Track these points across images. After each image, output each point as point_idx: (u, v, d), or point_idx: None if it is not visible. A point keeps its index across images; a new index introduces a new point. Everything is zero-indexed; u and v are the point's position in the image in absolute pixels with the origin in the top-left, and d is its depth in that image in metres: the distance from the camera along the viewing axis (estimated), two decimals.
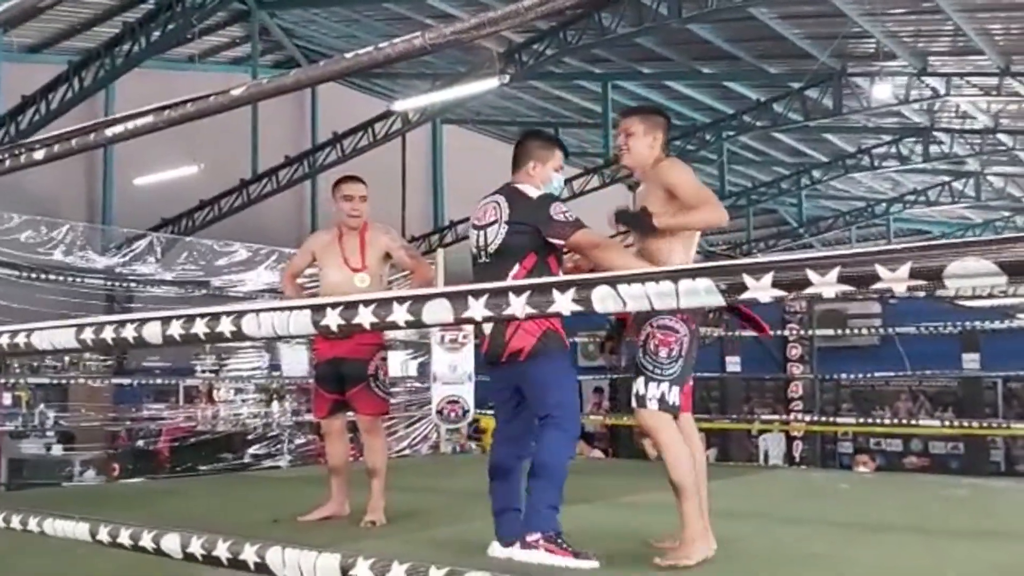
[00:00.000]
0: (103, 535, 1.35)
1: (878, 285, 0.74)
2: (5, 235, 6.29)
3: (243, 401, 8.68)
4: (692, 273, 0.84)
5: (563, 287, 0.91)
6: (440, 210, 19.93)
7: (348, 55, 1.40)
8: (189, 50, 15.31)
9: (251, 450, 8.08)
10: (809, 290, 0.78)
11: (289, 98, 17.43)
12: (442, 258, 8.29)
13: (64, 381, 8.75)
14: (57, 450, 8.79)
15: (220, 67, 16.35)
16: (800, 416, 7.98)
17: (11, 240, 6.34)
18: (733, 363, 10.44)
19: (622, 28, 12.33)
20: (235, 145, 15.12)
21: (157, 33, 10.62)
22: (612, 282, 0.88)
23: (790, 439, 9.40)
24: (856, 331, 8.94)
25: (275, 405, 8.66)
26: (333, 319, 1.11)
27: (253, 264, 7.67)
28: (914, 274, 0.72)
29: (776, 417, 9.60)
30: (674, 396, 3.30)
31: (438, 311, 1.02)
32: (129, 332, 1.35)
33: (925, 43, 13.77)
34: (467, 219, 19.39)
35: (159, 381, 8.72)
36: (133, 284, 7.01)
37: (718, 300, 0.82)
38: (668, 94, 17.39)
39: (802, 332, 8.17)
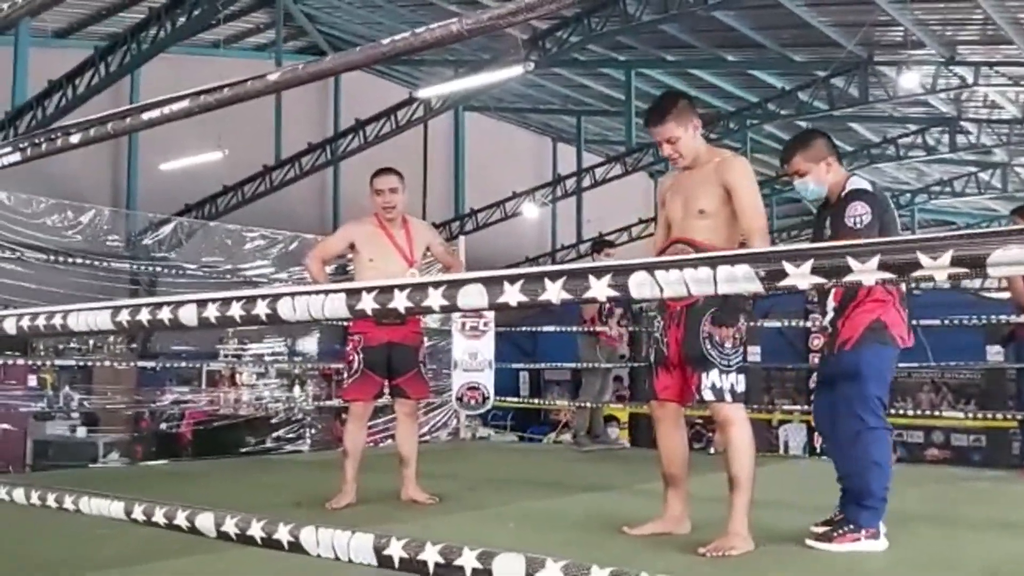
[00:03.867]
0: (138, 513, 1.37)
1: (919, 273, 0.74)
2: (32, 219, 6.36)
3: (265, 385, 8.75)
4: (731, 259, 0.84)
5: (599, 273, 0.92)
6: (461, 197, 19.93)
7: (385, 41, 1.40)
8: (214, 36, 15.37)
9: (273, 434, 8.15)
10: (849, 277, 0.78)
11: (312, 85, 17.48)
12: (464, 246, 8.31)
13: (89, 363, 8.84)
14: (81, 432, 8.90)
15: (244, 53, 16.41)
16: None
17: (39, 224, 6.40)
18: (754, 353, 10.40)
19: (647, 15, 12.27)
20: (259, 131, 15.19)
21: (183, 19, 10.66)
22: (650, 268, 0.88)
23: (812, 430, 9.35)
24: None
25: (297, 390, 8.72)
26: (368, 303, 1.12)
27: (275, 250, 7.72)
28: (956, 262, 0.72)
29: (797, 407, 9.56)
30: (742, 385, 3.37)
31: (474, 296, 1.02)
32: (165, 314, 1.36)
33: (953, 31, 13.61)
34: (489, 206, 19.51)
35: (183, 364, 8.80)
36: (159, 269, 7.07)
37: (757, 287, 0.82)
38: (692, 82, 17.29)
39: (825, 323, 8.10)
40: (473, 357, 7.45)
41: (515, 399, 10.32)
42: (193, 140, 13.73)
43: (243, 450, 7.86)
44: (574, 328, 7.76)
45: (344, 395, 4.60)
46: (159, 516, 1.33)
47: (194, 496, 4.75)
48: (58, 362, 8.75)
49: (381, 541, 1.08)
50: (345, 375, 4.54)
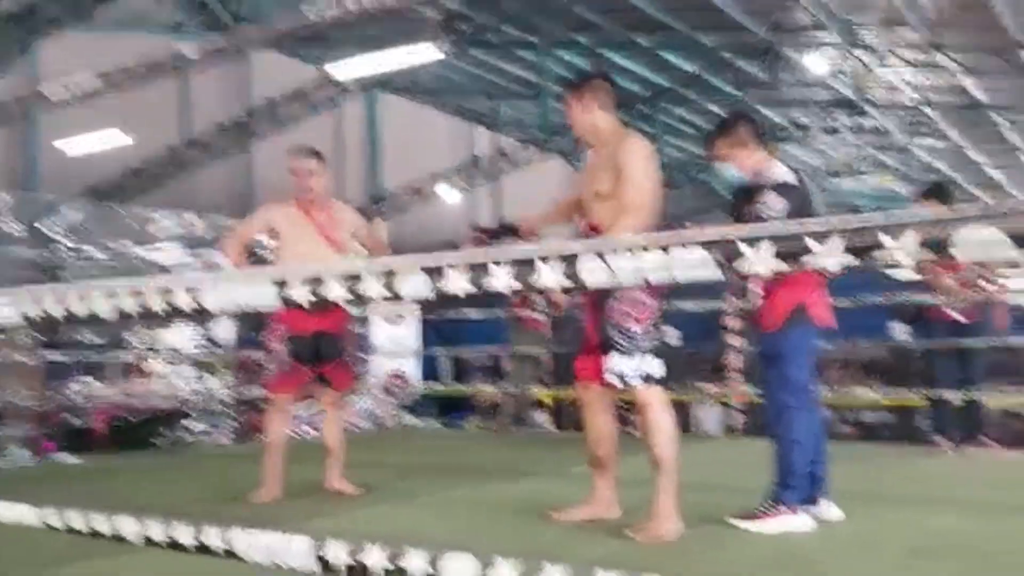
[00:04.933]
0: (55, 521, 1.29)
1: (880, 253, 0.73)
2: None
3: (181, 376, 8.49)
4: (687, 244, 0.82)
5: (547, 258, 0.88)
6: (378, 180, 19.69)
7: (307, 14, 1.34)
8: (117, 14, 14.79)
9: (191, 427, 7.92)
10: (812, 259, 0.77)
11: (222, 65, 16.98)
12: (384, 230, 8.21)
13: None
14: None
15: (146, 31, 15.83)
16: (739, 387, 8.09)
17: None
18: (673, 336, 10.53)
19: None
20: (165, 113, 14.70)
21: None
22: (601, 253, 0.85)
23: (729, 410, 9.54)
24: None
25: (213, 380, 8.50)
26: (301, 292, 1.07)
27: (184, 233, 7.47)
28: (922, 244, 0.71)
29: (713, 388, 9.74)
30: (656, 367, 3.35)
31: (415, 285, 0.98)
32: (76, 306, 1.28)
33: (856, 15, 13.98)
34: (406, 189, 19.23)
35: (92, 356, 8.46)
36: (64, 254, 6.76)
37: (714, 273, 0.80)
38: (604, 64, 17.38)
39: (740, 305, 8.26)
40: (396, 344, 7.37)
41: (440, 386, 10.27)
42: (98, 121, 13.20)
43: (158, 443, 7.61)
44: (498, 313, 7.74)
45: (269, 386, 4.43)
46: (79, 523, 1.25)
47: (108, 494, 4.59)
48: None
49: (320, 544, 1.03)
50: (269, 366, 4.39)
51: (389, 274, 0.98)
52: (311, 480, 4.41)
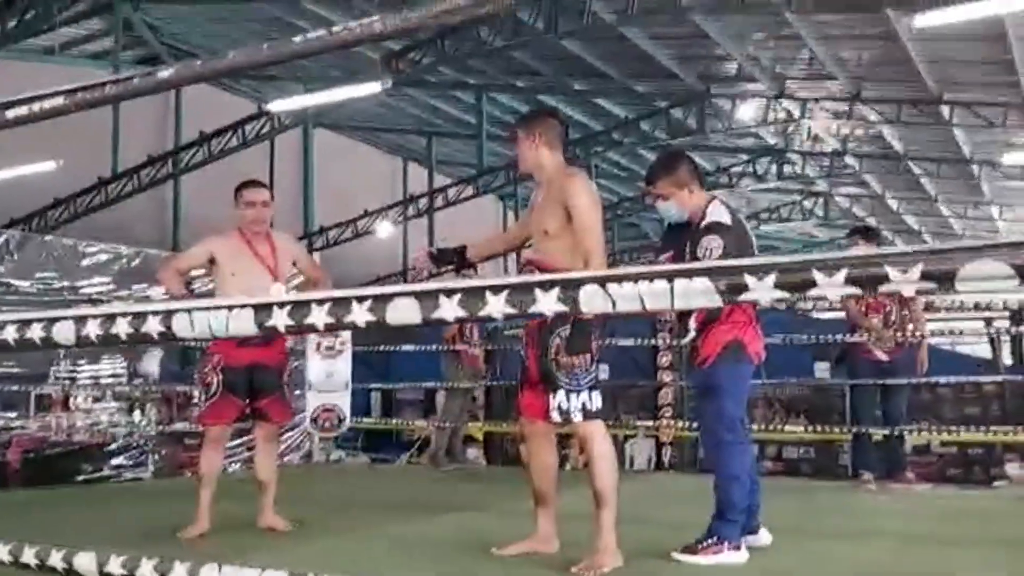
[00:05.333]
0: (2, 554, 1.23)
1: (888, 287, 0.74)
2: None
3: (103, 409, 8.20)
4: (689, 273, 0.83)
5: (547, 286, 0.88)
6: (311, 214, 19.52)
7: (268, 45, 1.32)
8: (46, 41, 14.48)
9: (112, 461, 7.64)
10: (815, 291, 0.78)
11: (153, 97, 16.72)
12: (319, 263, 8.10)
13: None
14: None
15: (80, 61, 15.52)
16: (670, 422, 8.17)
17: None
18: (602, 371, 10.59)
19: (499, 41, 12.43)
20: (94, 142, 14.38)
21: (13, 22, 9.96)
22: (602, 281, 0.85)
23: (659, 445, 9.61)
24: None
25: (137, 414, 8.24)
26: (281, 319, 1.05)
27: (116, 266, 7.26)
28: (926, 276, 0.73)
29: (645, 423, 9.81)
30: (596, 402, 3.37)
31: (405, 311, 0.97)
32: (36, 332, 1.23)
33: (783, 67, 14.47)
34: (339, 224, 19.13)
35: (9, 388, 8.13)
36: None
37: (716, 301, 0.81)
38: (537, 107, 17.61)
39: (672, 341, 8.37)
40: (328, 377, 7.26)
41: (369, 420, 10.14)
42: (22, 149, 12.83)
43: (79, 479, 7.32)
44: (433, 346, 7.69)
45: (201, 419, 4.34)
46: (29, 557, 1.19)
47: (23, 531, 4.39)
48: None
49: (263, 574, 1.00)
50: (201, 397, 4.29)
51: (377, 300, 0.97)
52: (241, 516, 4.29)
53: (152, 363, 8.57)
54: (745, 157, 19.78)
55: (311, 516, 4.47)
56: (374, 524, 4.47)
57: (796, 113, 16.03)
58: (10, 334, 1.27)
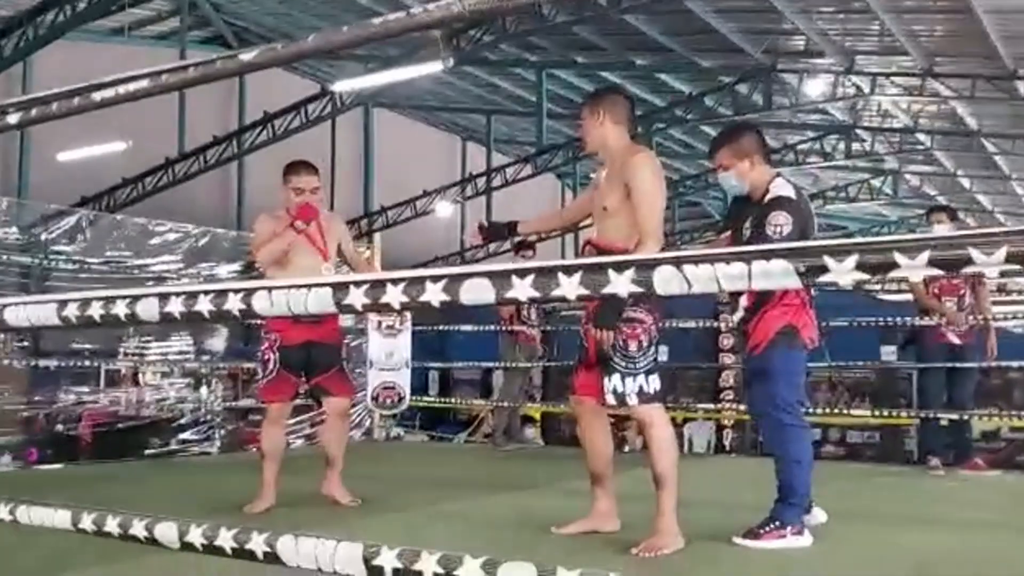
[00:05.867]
0: (87, 523, 1.27)
1: (970, 269, 0.73)
2: None
3: (170, 385, 8.42)
4: (767, 254, 0.82)
5: (621, 267, 0.88)
6: (370, 194, 19.69)
7: (347, 28, 1.33)
8: (114, 22, 14.79)
9: (180, 436, 7.85)
10: (895, 272, 0.77)
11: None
12: (379, 243, 8.21)
13: None
14: None
15: (146, 41, 15.83)
16: (732, 405, 8.11)
17: None
18: (662, 352, 10.54)
19: (560, 16, 12.34)
20: (161, 123, 14.67)
21: (83, 3, 10.19)
22: (678, 263, 0.85)
23: (720, 428, 9.55)
24: None
25: (203, 390, 8.43)
26: (358, 298, 1.06)
27: (185, 245, 7.42)
28: (1011, 258, 0.71)
29: (705, 405, 9.75)
30: (653, 385, 3.34)
31: (479, 291, 0.97)
32: (121, 309, 1.27)
33: (852, 42, 14.12)
34: (399, 204, 19.25)
35: (80, 363, 8.39)
36: (59, 263, 6.70)
37: (795, 283, 0.80)
38: (601, 84, 17.47)
39: (733, 323, 8.29)
40: (389, 356, 7.34)
41: (428, 398, 10.24)
42: (92, 130, 13.15)
43: (147, 452, 7.54)
44: (490, 327, 7.73)
45: (261, 396, 4.43)
46: (112, 526, 1.24)
47: (102, 501, 4.54)
48: None
49: (371, 551, 1.02)
50: (260, 375, 4.38)
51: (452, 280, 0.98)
52: (304, 491, 4.36)
53: (218, 340, 8.77)
54: (812, 134, 19.39)
55: (371, 492, 4.53)
56: (431, 501, 4.52)
57: (866, 89, 15.64)
58: (96, 310, 1.30)
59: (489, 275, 0.97)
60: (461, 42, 13.03)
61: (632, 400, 3.33)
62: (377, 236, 8.36)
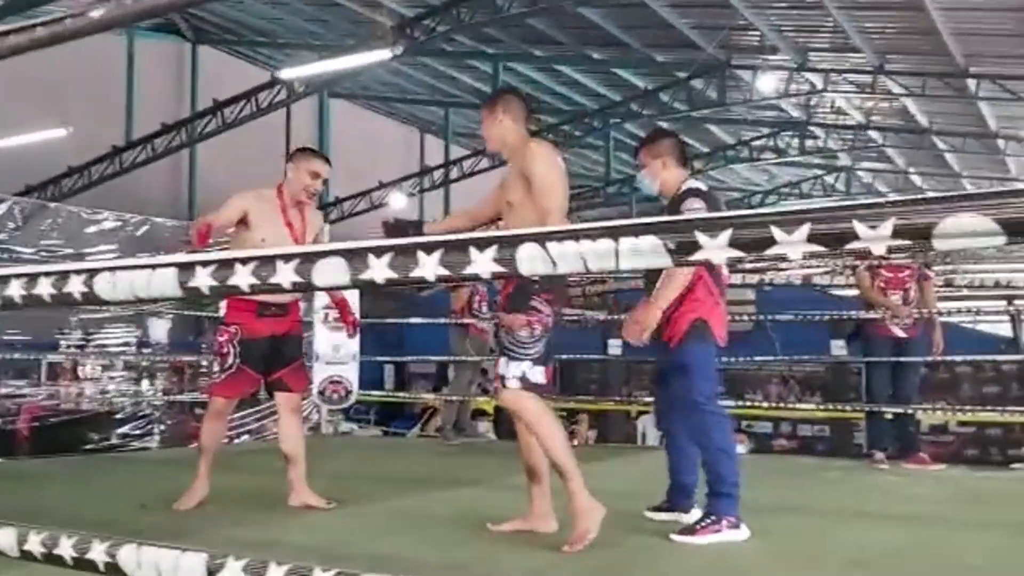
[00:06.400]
0: None
1: (855, 245, 0.64)
2: None
3: (111, 379, 8.20)
4: (635, 230, 0.73)
5: (482, 244, 0.78)
6: (327, 186, 19.45)
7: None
8: (60, 8, 14.39)
9: (119, 430, 7.64)
10: (774, 249, 0.68)
11: (167, 64, 16.65)
12: (328, 236, 8.05)
13: None
14: None
15: None
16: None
17: None
18: (615, 346, 10.51)
19: (515, 8, 12.24)
20: (108, 110, 14.35)
21: None
22: (541, 239, 0.75)
23: None
24: (732, 317, 9.13)
25: (145, 383, 8.23)
26: (204, 280, 0.95)
27: (123, 234, 7.21)
28: (899, 232, 0.63)
29: (655, 399, 9.70)
30: (536, 375, 3.31)
31: (332, 272, 0.87)
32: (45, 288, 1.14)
33: (806, 38, 14.19)
34: (355, 196, 19.14)
35: (19, 356, 8.15)
36: None
37: (665, 261, 0.71)
38: (558, 78, 17.42)
39: None
40: (336, 350, 7.20)
41: (379, 393, 10.11)
42: (34, 116, 12.81)
43: (86, 447, 7.33)
44: (441, 320, 7.62)
45: (215, 390, 4.16)
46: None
47: (29, 498, 4.37)
48: None
49: (215, 562, 0.91)
50: (217, 370, 4.12)
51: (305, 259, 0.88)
52: (241, 487, 4.24)
53: (160, 332, 8.56)
54: (766, 130, 19.51)
55: (314, 489, 4.40)
56: (374, 498, 4.41)
57: (819, 85, 15.74)
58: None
59: (345, 254, 0.87)
60: (415, 31, 12.88)
61: (512, 384, 3.29)
62: (326, 227, 8.18)
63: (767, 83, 15.43)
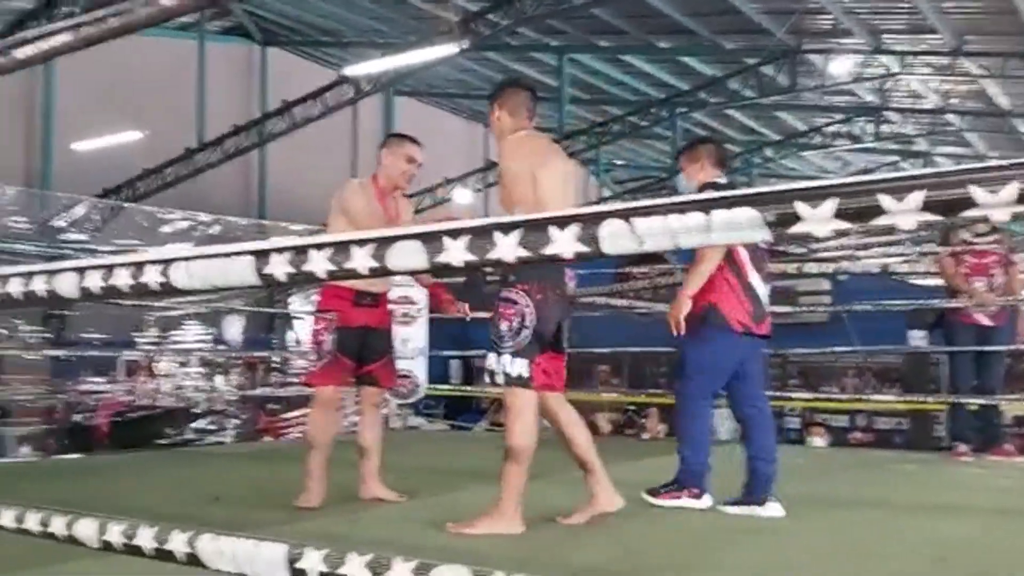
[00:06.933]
0: (7, 519, 1.16)
1: (973, 212, 0.59)
2: None
3: (186, 375, 8.39)
4: (729, 202, 0.68)
5: (562, 223, 0.75)
6: None
7: None
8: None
9: (194, 425, 7.81)
10: (883, 219, 0.63)
11: (237, 67, 16.97)
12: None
13: None
14: None
15: (166, 32, 15.80)
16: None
17: None
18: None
19: None
20: (180, 113, 14.66)
21: None
22: (626, 215, 0.71)
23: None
24: (807, 308, 8.95)
25: (219, 379, 8.40)
26: (280, 267, 0.94)
27: (196, 233, 7.37)
28: (929, 206, 0.57)
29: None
30: (518, 368, 3.27)
31: (408, 255, 0.84)
32: (39, 285, 1.15)
33: (880, 20, 13.80)
34: (421, 192, 19.17)
35: (98, 354, 8.39)
36: (67, 252, 6.66)
37: (762, 234, 0.67)
38: (623, 68, 17.26)
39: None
40: (404, 344, 7.25)
41: (447, 386, 10.14)
42: (110, 121, 13.17)
43: (162, 442, 7.51)
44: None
45: (312, 380, 4.07)
46: (31, 523, 1.12)
47: (107, 491, 4.48)
48: None
49: (294, 552, 0.90)
50: (314, 357, 4.05)
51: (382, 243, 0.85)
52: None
53: (233, 329, 8.73)
54: (840, 116, 19.03)
55: (386, 483, 4.41)
56: (438, 490, 4.41)
57: (894, 68, 15.29)
58: (15, 288, 1.19)
59: (421, 236, 0.84)
60: (479, 26, 12.87)
61: (499, 379, 3.31)
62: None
63: (840, 67, 15.06)
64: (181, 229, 7.27)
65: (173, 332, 8.21)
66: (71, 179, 13.49)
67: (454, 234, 0.81)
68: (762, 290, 3.75)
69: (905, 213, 0.62)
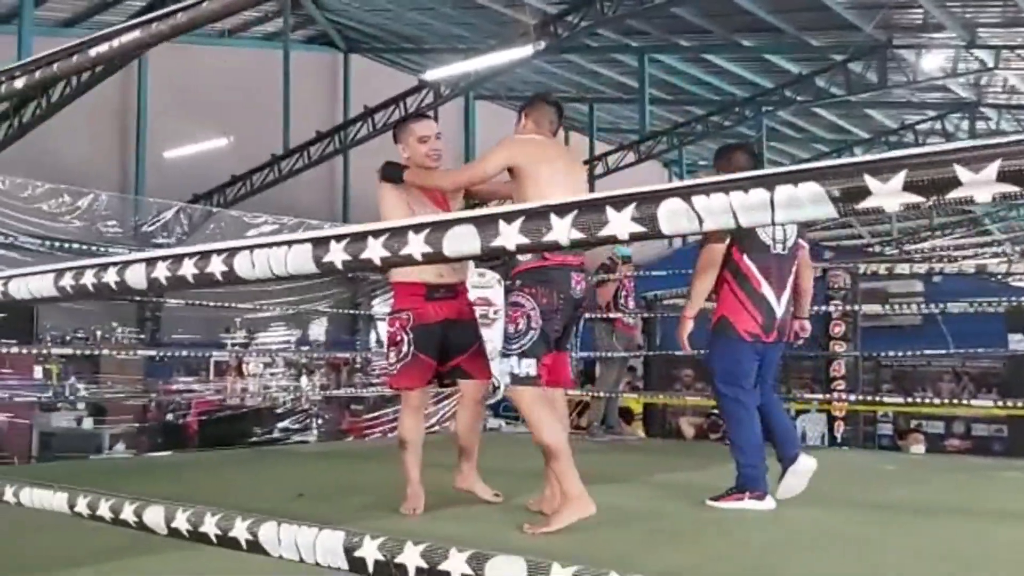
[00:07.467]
0: (81, 507, 1.19)
1: (958, 192, 0.55)
2: (28, 203, 6.17)
3: (272, 375, 8.59)
4: (793, 177, 0.65)
5: (619, 203, 0.72)
6: None
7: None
8: (221, 24, 15.18)
9: (280, 425, 7.99)
10: (957, 192, 0.59)
11: (321, 74, 17.31)
12: None
13: (95, 353, 8.70)
14: (88, 423, 8.76)
15: (252, 42, 16.23)
16: (843, 395, 7.70)
17: (34, 208, 6.23)
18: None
19: None
20: (266, 120, 15.01)
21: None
22: (686, 194, 0.68)
23: (831, 419, 9.12)
24: (898, 309, 8.65)
25: (304, 380, 8.56)
26: (338, 254, 0.93)
27: (281, 237, 7.53)
28: (1005, 175, 0.53)
29: (817, 396, 9.32)
30: (525, 367, 3.37)
31: (463, 240, 0.83)
32: (111, 276, 1.18)
33: (974, 13, 13.30)
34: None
35: (189, 354, 8.64)
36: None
37: (828, 210, 0.63)
38: (706, 68, 17.02)
39: (846, 309, 7.88)
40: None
41: None
42: (200, 129, 13.55)
43: (249, 441, 7.69)
44: (588, 315, 7.56)
45: (392, 382, 3.93)
46: (104, 510, 1.15)
47: (193, 487, 4.60)
48: (64, 351, 8.61)
49: (353, 540, 0.89)
50: (392, 359, 3.84)
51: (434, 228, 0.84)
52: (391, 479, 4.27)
53: (318, 330, 8.90)
54: (932, 113, 18.41)
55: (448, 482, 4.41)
56: (517, 493, 4.36)
57: (990, 63, 14.72)
58: (88, 279, 1.21)
59: (475, 220, 0.82)
60: (558, 28, 12.86)
61: (505, 379, 3.43)
62: None
63: (932, 63, 14.56)
64: (266, 233, 7.43)
65: (260, 333, 8.41)
66: (162, 186, 13.96)
67: (509, 217, 0.80)
68: (775, 300, 3.85)
69: (981, 185, 0.57)
